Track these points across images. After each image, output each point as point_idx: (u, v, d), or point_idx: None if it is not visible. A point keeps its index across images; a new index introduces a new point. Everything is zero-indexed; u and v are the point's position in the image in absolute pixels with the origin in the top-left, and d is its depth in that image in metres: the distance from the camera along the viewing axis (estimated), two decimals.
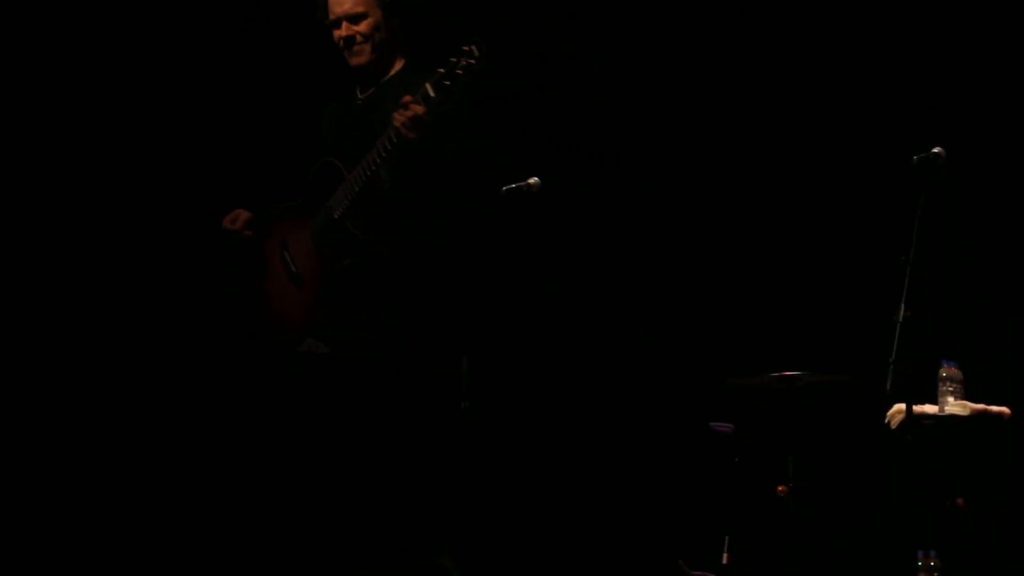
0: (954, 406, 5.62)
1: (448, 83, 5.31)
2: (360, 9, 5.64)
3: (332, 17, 5.68)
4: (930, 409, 5.64)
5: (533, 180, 5.52)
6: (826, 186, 6.69)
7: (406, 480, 5.50)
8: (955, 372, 5.67)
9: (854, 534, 6.38)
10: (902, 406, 5.33)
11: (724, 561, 6.11)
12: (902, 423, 5.39)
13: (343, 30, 5.66)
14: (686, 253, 6.84)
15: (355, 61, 5.68)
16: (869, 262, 6.35)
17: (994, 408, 5.68)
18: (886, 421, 5.60)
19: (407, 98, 5.36)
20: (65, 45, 6.77)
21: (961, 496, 5.74)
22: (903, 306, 5.09)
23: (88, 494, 6.58)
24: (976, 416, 5.63)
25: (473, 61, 5.30)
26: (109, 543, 6.52)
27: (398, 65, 5.71)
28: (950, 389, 5.64)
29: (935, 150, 5.27)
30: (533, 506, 6.61)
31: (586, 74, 6.90)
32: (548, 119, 6.82)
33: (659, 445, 6.68)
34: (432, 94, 5.33)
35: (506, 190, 5.52)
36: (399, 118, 5.35)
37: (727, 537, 6.13)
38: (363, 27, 5.65)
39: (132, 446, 6.62)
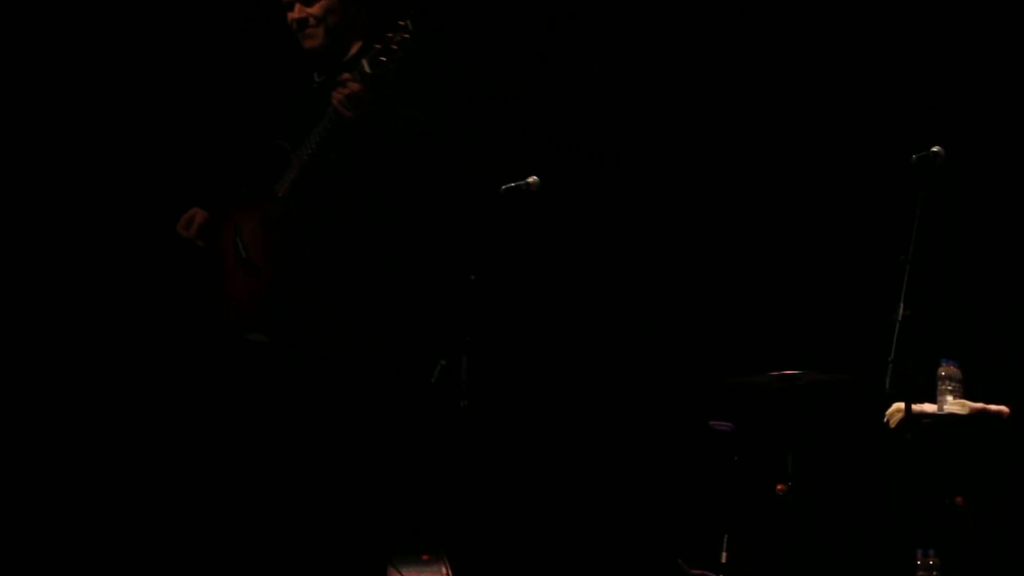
0: (953, 405, 5.63)
1: (383, 59, 5.32)
2: None
3: None
4: (929, 408, 5.64)
5: (532, 179, 5.53)
6: (826, 186, 6.69)
7: (385, 473, 5.49)
8: (954, 371, 5.67)
9: (853, 533, 6.38)
10: (901, 405, 5.33)
11: (723, 560, 6.11)
12: (901, 422, 5.40)
13: (296, 12, 5.64)
14: (686, 253, 6.85)
15: (308, 44, 5.65)
16: (869, 261, 6.35)
17: (993, 407, 5.68)
18: (885, 420, 5.60)
19: (345, 76, 5.37)
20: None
21: (961, 495, 5.74)
22: (902, 305, 5.10)
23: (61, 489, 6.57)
24: (975, 415, 5.63)
25: (407, 36, 5.30)
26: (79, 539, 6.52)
27: (355, 48, 5.68)
28: (949, 388, 5.64)
29: (934, 149, 5.27)
30: (533, 505, 6.62)
31: (586, 74, 6.90)
32: (548, 119, 6.83)
33: (659, 444, 6.68)
34: (368, 71, 5.34)
35: (505, 189, 5.53)
36: (337, 96, 5.36)
37: (726, 536, 6.13)
38: (315, 9, 5.61)
39: (124, 449, 6.61)
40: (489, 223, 5.62)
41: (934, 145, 5.28)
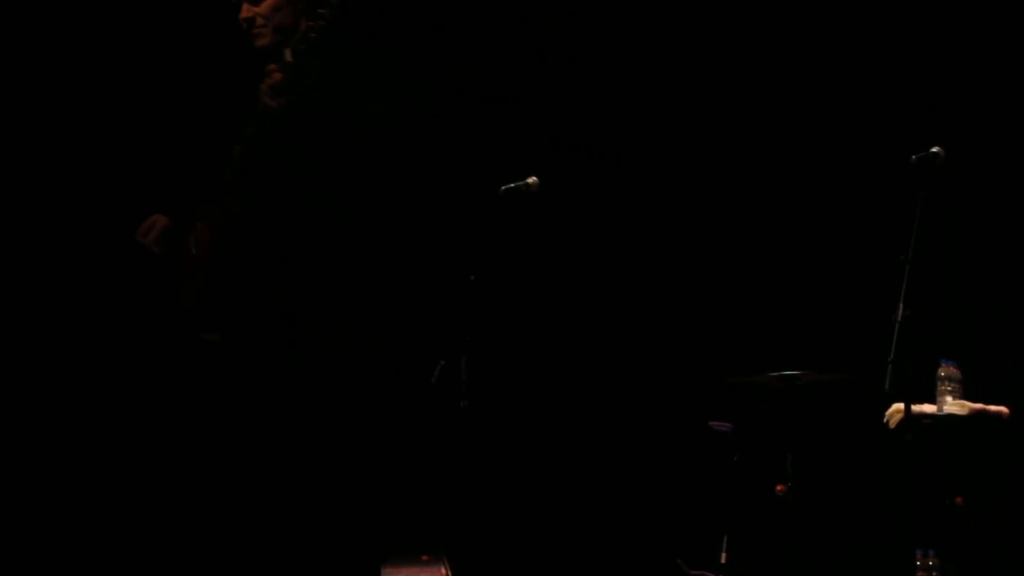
0: (952, 405, 5.63)
1: (302, 47, 5.36)
2: None
3: None
4: (928, 408, 5.64)
5: (532, 180, 5.53)
6: (826, 186, 6.69)
7: (384, 474, 5.50)
8: (954, 371, 5.67)
9: (853, 533, 6.38)
10: (901, 405, 5.33)
11: (723, 560, 6.11)
12: (901, 422, 5.40)
13: (244, 11, 5.66)
14: (686, 253, 6.84)
15: (257, 43, 5.66)
16: (869, 262, 6.35)
17: (992, 407, 5.68)
18: (885, 420, 5.60)
19: (271, 66, 5.41)
20: None
21: (960, 495, 5.74)
22: (902, 305, 5.10)
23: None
24: (975, 415, 5.64)
25: (324, 24, 5.34)
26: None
27: None
28: (949, 388, 5.64)
29: (934, 150, 5.28)
30: (533, 505, 6.62)
31: (586, 74, 6.90)
32: (548, 119, 6.83)
33: (659, 444, 6.68)
34: (288, 59, 5.38)
35: (505, 190, 5.53)
36: (263, 87, 5.39)
37: (726, 536, 6.13)
38: (262, 8, 5.63)
39: (123, 451, 6.60)
40: (489, 223, 5.62)
41: (934, 145, 5.29)
